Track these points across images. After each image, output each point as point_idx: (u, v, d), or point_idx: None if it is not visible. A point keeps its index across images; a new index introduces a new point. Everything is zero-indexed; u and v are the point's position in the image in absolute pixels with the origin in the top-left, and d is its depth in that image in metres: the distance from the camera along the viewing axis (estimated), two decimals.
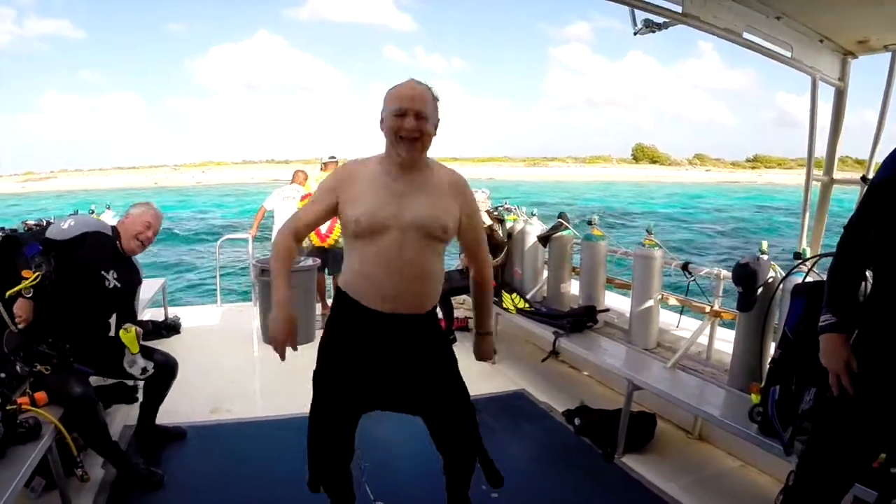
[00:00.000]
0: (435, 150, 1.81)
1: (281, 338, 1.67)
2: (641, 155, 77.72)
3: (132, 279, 2.68)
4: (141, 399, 2.81)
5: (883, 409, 1.47)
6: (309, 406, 1.87)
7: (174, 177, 59.66)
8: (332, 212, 1.77)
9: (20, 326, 2.29)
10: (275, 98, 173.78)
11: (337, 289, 1.83)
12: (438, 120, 1.75)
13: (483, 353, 2.07)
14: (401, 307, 1.74)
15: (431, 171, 1.78)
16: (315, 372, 1.85)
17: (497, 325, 4.24)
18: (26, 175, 60.73)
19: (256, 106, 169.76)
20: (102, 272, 2.51)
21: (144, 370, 2.57)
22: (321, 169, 6.06)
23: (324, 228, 5.61)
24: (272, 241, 1.81)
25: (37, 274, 2.23)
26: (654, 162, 75.60)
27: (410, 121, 1.64)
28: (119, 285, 2.57)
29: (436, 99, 1.74)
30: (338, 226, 5.55)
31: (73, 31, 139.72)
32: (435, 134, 1.74)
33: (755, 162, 73.95)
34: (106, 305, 2.56)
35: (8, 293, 2.24)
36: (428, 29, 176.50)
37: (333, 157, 6.03)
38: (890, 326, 1.47)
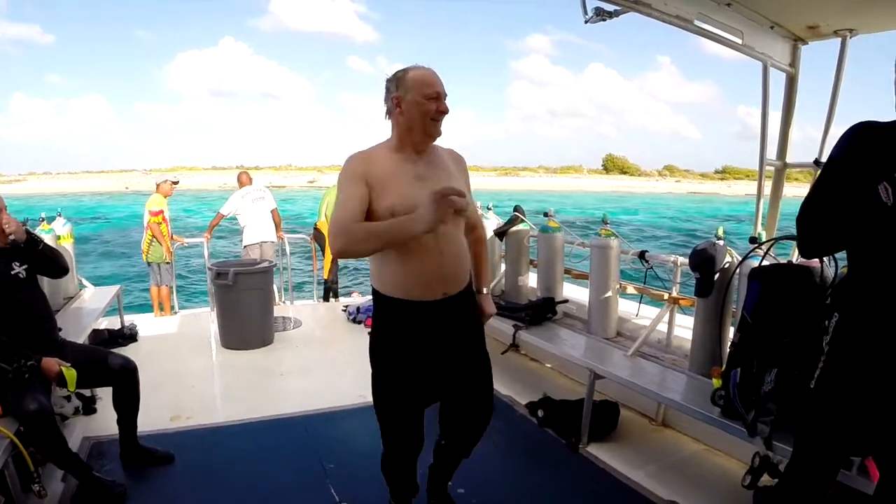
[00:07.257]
0: None
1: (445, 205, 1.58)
2: (612, 166, 77.87)
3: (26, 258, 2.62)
4: (117, 417, 2.62)
5: (868, 394, 1.42)
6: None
7: (145, 181, 58.17)
8: (367, 199, 1.67)
9: None
10: (243, 105, 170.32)
11: (377, 294, 1.79)
12: None
13: (490, 309, 2.03)
14: (450, 289, 1.76)
15: (436, 151, 1.82)
16: (376, 379, 1.84)
17: None
18: None
19: (225, 112, 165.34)
20: (11, 273, 2.47)
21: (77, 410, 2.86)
22: (162, 191, 5.95)
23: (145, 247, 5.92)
24: (338, 238, 1.63)
25: None
26: (625, 173, 76.13)
27: (444, 103, 1.72)
28: (27, 266, 2.54)
29: None
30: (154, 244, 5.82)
31: (43, 35, 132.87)
32: None
33: (724, 173, 74.89)
34: (29, 295, 2.52)
35: None
36: (389, 39, 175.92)
37: (167, 179, 6.08)
38: (870, 309, 1.43)
